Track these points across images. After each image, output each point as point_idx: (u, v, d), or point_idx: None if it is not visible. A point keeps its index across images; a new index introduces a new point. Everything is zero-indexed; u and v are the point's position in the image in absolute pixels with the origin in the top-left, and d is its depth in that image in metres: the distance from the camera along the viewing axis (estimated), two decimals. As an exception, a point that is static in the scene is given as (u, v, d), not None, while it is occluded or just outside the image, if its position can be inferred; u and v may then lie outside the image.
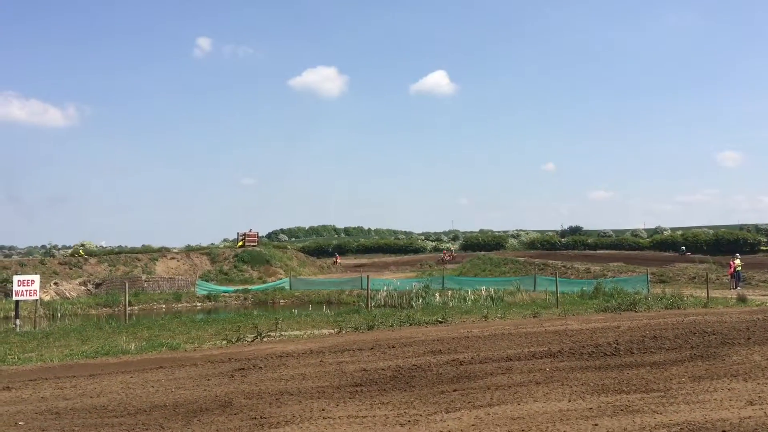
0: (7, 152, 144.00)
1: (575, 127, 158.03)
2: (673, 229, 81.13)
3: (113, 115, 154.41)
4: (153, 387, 8.06)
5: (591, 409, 6.07)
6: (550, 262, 40.09)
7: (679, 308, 16.83)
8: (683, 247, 61.84)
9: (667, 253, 61.02)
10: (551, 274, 30.57)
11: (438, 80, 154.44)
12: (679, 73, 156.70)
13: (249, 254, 45.81)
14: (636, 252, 64.08)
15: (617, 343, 9.79)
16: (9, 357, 12.58)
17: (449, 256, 60.88)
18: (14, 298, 20.73)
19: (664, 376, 7.53)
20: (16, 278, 21.07)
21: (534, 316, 16.19)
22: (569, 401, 6.42)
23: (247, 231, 50.34)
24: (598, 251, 66.59)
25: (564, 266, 36.66)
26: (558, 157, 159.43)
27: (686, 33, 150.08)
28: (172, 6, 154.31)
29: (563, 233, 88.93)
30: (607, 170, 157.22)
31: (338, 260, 60.71)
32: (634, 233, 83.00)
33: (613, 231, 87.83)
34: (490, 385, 7.36)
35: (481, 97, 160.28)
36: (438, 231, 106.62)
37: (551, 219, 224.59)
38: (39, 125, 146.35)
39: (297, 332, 15.47)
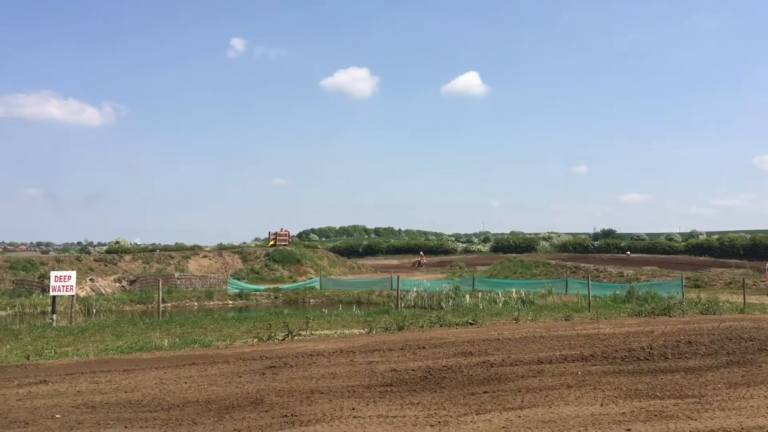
0: (45, 151, 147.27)
1: (608, 128, 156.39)
2: (709, 233, 79.74)
3: (148, 114, 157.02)
4: (186, 383, 8.16)
5: (624, 414, 6.00)
6: (582, 265, 39.65)
7: (714, 314, 16.51)
8: (627, 252, 63.56)
9: (702, 258, 59.99)
10: (583, 277, 30.25)
11: (470, 81, 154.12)
12: (715, 74, 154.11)
13: (280, 253, 46.14)
14: (670, 256, 63.11)
15: (651, 348, 9.66)
16: (46, 351, 12.84)
17: (423, 259, 60.57)
18: (51, 293, 21.14)
19: (699, 382, 7.41)
20: (53, 274, 21.49)
21: (566, 319, 16.03)
22: (602, 406, 6.35)
23: (278, 230, 50.68)
24: (631, 255, 65.72)
25: (596, 269, 36.23)
26: (590, 159, 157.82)
27: (724, 33, 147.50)
28: (207, 7, 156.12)
29: (596, 236, 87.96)
30: (641, 173, 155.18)
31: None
32: (669, 237, 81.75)
33: (647, 234, 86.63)
34: (521, 387, 7.32)
35: (512, 99, 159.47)
36: (469, 232, 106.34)
37: (583, 222, 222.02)
38: (76, 124, 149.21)
39: (327, 331, 15.54)
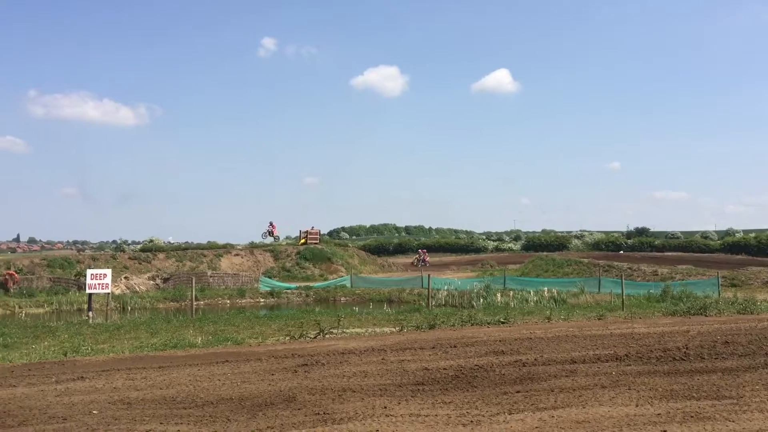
0: (81, 150, 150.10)
1: (642, 124, 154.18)
2: (746, 231, 78.19)
3: (181, 114, 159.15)
4: (219, 380, 8.25)
5: (659, 414, 5.91)
6: (615, 263, 39.14)
7: (752, 313, 16.20)
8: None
9: (739, 256, 58.82)
10: (616, 275, 29.89)
11: (500, 79, 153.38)
12: (752, 68, 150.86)
13: (311, 252, 46.35)
14: (706, 254, 61.91)
15: (687, 348, 9.50)
16: (83, 348, 13.08)
17: (427, 257, 59.71)
18: (87, 291, 21.56)
19: (737, 382, 7.27)
20: (89, 272, 21.91)
21: (599, 319, 15.86)
22: (637, 406, 6.27)
23: (309, 228, 50.91)
24: (665, 253, 64.66)
25: (630, 268, 35.74)
26: (623, 156, 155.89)
27: (757, 26, 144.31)
28: (238, 7, 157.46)
29: (629, 234, 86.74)
30: (676, 170, 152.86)
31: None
32: (704, 235, 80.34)
33: (682, 233, 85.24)
34: (554, 387, 7.26)
35: (543, 95, 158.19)
36: (500, 230, 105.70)
37: (616, 220, 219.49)
38: (111, 124, 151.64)
39: (358, 330, 15.59)
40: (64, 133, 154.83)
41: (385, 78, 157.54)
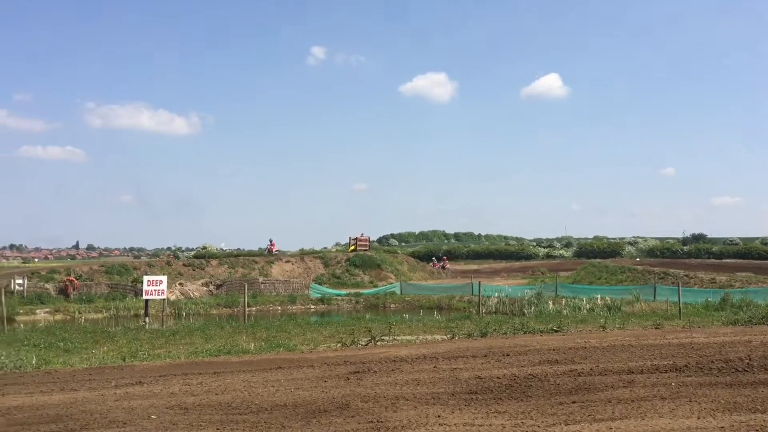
0: (137, 159, 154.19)
1: (698, 129, 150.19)
2: (809, 237, 75.39)
3: (232, 122, 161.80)
4: (273, 386, 8.33)
5: (722, 428, 5.73)
6: (671, 270, 38.18)
7: (818, 323, 15.59)
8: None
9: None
10: (672, 283, 29.14)
11: (551, 83, 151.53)
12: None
13: (360, 258, 46.54)
14: (766, 261, 59.93)
15: (750, 359, 9.18)
16: (140, 353, 13.40)
17: (447, 264, 59.07)
18: (144, 297, 22.06)
19: (805, 396, 7.00)
20: (146, 278, 22.43)
21: (656, 328, 15.48)
22: (698, 419, 6.09)
23: (358, 235, 51.14)
24: (723, 260, 62.83)
25: (686, 275, 34.80)
26: (678, 161, 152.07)
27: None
28: (287, 17, 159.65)
29: (685, 241, 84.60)
30: (733, 175, 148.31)
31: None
32: (764, 241, 77.69)
33: (740, 239, 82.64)
34: (611, 398, 7.10)
35: (595, 100, 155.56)
36: (550, 237, 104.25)
37: (671, 226, 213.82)
38: (166, 133, 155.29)
39: (409, 337, 15.57)
40: (120, 143, 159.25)
41: (434, 84, 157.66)
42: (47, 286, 33.17)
